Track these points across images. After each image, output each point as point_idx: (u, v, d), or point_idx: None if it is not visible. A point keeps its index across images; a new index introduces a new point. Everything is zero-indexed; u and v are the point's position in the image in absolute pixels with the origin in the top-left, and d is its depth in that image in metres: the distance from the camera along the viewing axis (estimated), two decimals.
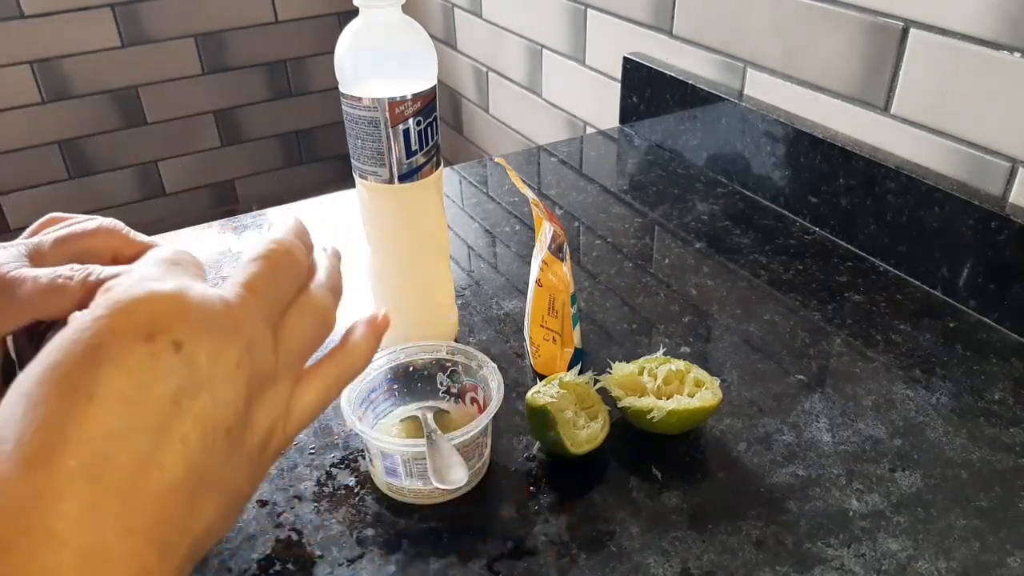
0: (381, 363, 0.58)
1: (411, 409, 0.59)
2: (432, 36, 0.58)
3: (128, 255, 0.41)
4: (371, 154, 0.57)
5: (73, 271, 0.36)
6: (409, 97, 0.55)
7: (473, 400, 0.58)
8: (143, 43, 1.79)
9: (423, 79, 0.56)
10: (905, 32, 0.74)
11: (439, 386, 0.59)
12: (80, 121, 1.81)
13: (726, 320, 0.72)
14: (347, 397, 0.54)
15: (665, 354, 0.61)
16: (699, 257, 0.82)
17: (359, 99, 0.55)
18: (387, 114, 0.55)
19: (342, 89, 0.57)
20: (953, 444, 0.58)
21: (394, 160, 0.57)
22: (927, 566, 0.49)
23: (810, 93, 0.86)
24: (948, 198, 0.71)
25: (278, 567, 0.50)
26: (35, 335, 0.38)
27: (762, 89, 0.91)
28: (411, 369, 0.59)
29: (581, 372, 0.58)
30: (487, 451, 0.55)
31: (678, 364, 0.59)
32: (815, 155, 0.84)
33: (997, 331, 0.70)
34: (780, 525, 0.52)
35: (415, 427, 0.57)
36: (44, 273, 0.37)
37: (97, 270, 0.37)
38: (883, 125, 0.79)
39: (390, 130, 0.56)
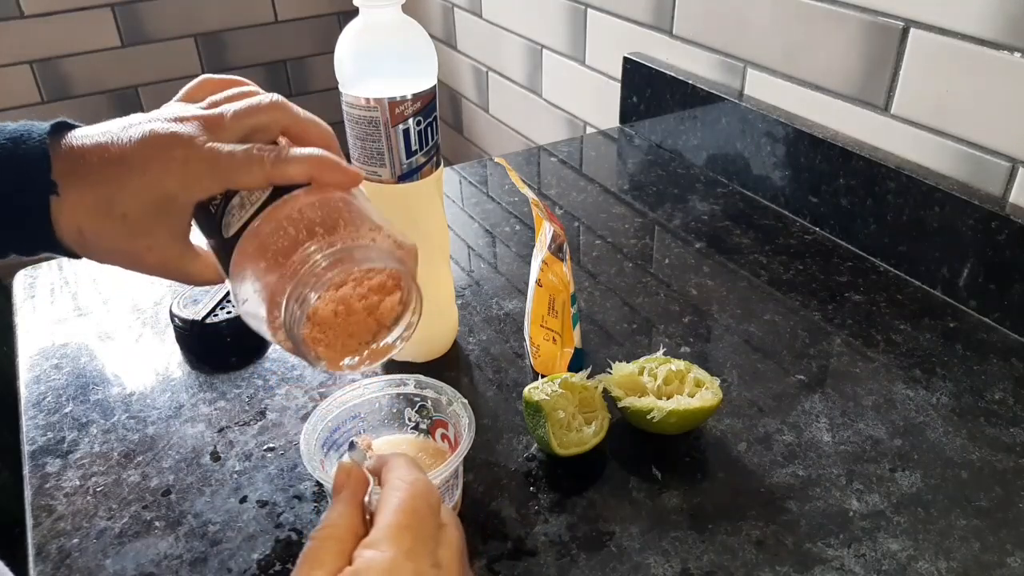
0: (345, 399, 0.53)
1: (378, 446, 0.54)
2: (432, 36, 0.57)
3: (294, 132, 0.43)
4: (371, 154, 0.57)
5: (263, 151, 0.40)
6: (409, 97, 0.55)
7: (444, 437, 0.54)
8: (143, 43, 1.79)
9: (423, 79, 0.56)
10: (905, 32, 0.74)
11: (407, 421, 0.55)
12: (80, 121, 1.80)
13: (726, 320, 0.72)
14: (306, 442, 0.50)
15: (665, 354, 0.61)
16: (699, 257, 0.82)
17: (359, 99, 0.55)
18: (387, 114, 0.55)
19: (342, 89, 0.57)
20: (953, 444, 0.58)
21: (394, 160, 0.57)
22: (927, 566, 0.49)
23: (810, 93, 0.85)
24: (948, 198, 0.71)
25: (278, 567, 0.50)
26: (216, 202, 0.41)
27: (762, 89, 0.91)
28: (377, 405, 0.55)
29: (581, 372, 0.58)
30: (458, 492, 0.52)
31: (678, 364, 0.59)
32: (815, 155, 0.84)
33: (997, 331, 0.70)
34: (780, 525, 0.52)
35: None
36: (240, 149, 0.40)
37: (285, 150, 0.40)
38: (883, 125, 0.79)
39: (390, 130, 0.56)
